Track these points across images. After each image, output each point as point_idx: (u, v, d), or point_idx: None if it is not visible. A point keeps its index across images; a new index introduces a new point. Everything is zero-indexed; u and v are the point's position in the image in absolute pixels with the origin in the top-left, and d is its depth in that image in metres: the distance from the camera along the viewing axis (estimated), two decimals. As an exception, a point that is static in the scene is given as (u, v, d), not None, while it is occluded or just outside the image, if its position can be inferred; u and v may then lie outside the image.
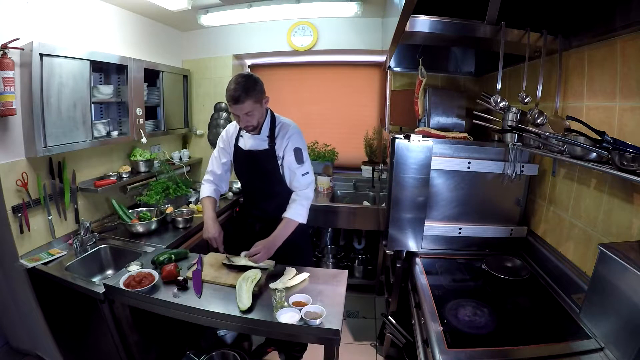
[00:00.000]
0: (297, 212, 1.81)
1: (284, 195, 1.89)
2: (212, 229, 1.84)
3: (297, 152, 1.84)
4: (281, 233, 1.77)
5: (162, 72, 2.85)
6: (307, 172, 1.87)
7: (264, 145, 1.85)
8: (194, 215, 2.57)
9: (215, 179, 2.02)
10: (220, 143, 2.00)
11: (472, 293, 1.61)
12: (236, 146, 1.94)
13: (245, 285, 1.49)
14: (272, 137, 1.84)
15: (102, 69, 2.41)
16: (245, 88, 1.63)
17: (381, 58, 3.19)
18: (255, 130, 1.82)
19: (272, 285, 1.58)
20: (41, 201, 1.98)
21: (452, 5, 1.61)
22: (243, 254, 1.73)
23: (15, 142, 1.85)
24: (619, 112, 1.33)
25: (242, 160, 1.94)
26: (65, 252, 2.01)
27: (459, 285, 1.70)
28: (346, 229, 3.13)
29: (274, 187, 1.91)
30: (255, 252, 1.67)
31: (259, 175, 1.92)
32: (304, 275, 1.67)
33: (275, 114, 1.91)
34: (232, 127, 1.98)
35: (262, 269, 1.65)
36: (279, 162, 1.86)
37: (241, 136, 1.93)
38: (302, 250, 2.05)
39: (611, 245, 1.15)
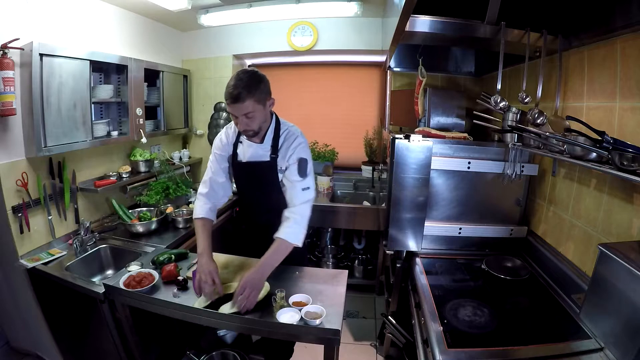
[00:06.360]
0: (292, 232, 1.54)
1: (285, 207, 1.66)
2: (206, 265, 1.47)
3: (302, 163, 1.62)
4: (270, 260, 1.49)
5: (162, 72, 2.86)
6: (309, 188, 1.63)
7: (265, 156, 1.65)
8: (194, 215, 2.57)
9: (214, 189, 1.71)
10: (216, 150, 1.72)
11: (472, 293, 1.61)
12: (235, 154, 1.71)
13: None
14: (275, 147, 1.64)
15: (102, 69, 2.41)
16: (247, 85, 1.42)
17: (381, 58, 3.19)
18: (256, 136, 1.60)
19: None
20: (41, 201, 1.98)
21: (452, 5, 1.61)
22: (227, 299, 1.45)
23: (15, 142, 1.85)
24: (619, 112, 1.33)
25: (240, 171, 1.74)
26: (65, 252, 2.02)
27: (459, 285, 1.70)
28: (346, 229, 3.13)
29: (274, 200, 1.70)
30: (241, 299, 1.36)
31: (259, 187, 1.73)
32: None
33: (280, 119, 1.71)
34: (232, 131, 1.73)
35: None
36: (280, 176, 1.66)
37: (240, 142, 1.69)
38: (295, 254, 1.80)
39: (611, 245, 1.15)
